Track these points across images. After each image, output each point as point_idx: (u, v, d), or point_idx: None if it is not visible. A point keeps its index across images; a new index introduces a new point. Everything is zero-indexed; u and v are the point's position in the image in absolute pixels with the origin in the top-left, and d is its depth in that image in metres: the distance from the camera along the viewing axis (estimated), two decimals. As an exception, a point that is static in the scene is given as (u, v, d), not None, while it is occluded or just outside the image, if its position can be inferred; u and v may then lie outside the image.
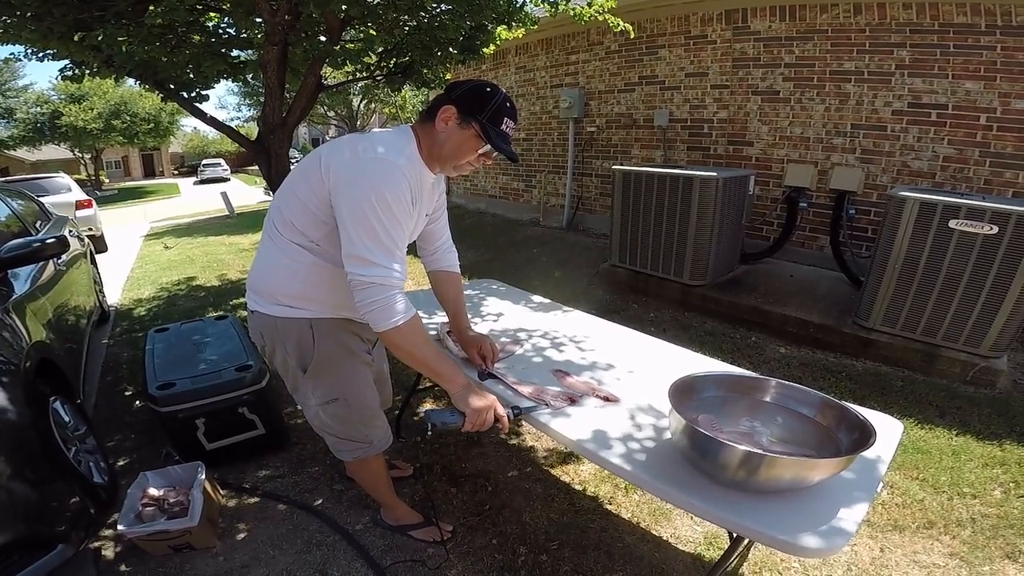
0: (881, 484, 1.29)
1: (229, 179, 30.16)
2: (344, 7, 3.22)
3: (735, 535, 1.36)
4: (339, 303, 1.55)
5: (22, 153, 25.15)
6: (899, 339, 3.35)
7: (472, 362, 1.83)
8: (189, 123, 36.14)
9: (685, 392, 1.39)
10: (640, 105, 6.01)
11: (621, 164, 5.06)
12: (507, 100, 1.44)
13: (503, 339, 2.05)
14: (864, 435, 1.18)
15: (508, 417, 1.46)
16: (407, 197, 1.37)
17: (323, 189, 1.39)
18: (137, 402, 3.05)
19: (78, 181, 9.73)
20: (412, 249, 1.80)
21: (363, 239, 1.32)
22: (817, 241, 4.84)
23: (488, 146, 1.43)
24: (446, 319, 2.23)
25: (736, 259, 4.72)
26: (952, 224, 3.00)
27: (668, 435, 1.41)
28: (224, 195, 13.03)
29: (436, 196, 1.72)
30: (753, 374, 1.62)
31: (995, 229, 2.88)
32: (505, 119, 1.42)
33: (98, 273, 4.72)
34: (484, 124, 1.40)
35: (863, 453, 1.16)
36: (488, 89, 1.43)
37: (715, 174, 4.01)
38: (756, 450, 1.18)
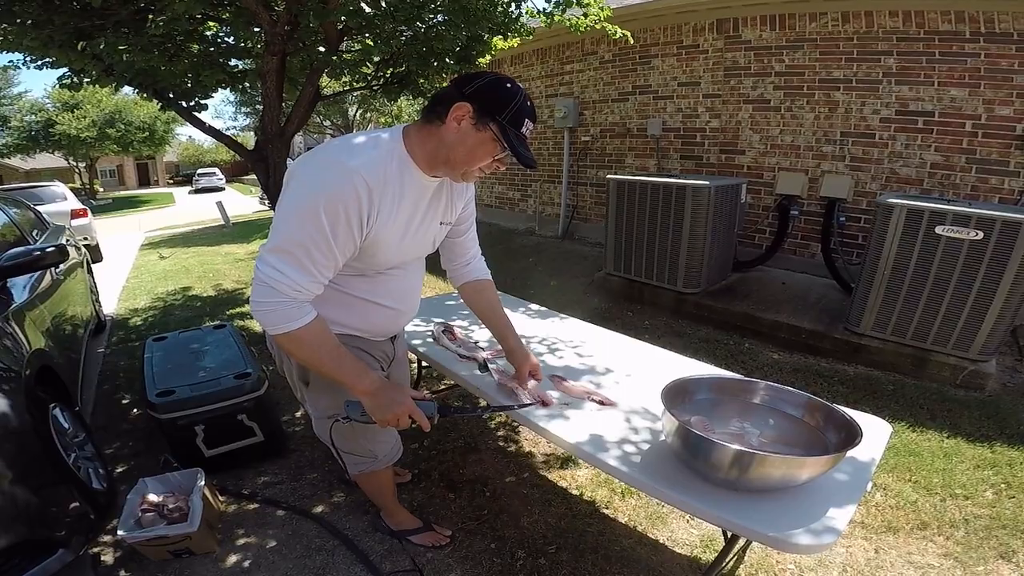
0: (871, 484, 1.32)
1: (224, 188, 30.13)
2: (343, 18, 3.27)
3: (730, 535, 1.40)
4: (343, 320, 1.48)
5: (16, 161, 25.07)
6: (889, 344, 3.39)
7: (520, 378, 1.74)
8: (184, 132, 36.19)
9: (678, 395, 1.42)
10: (634, 114, 6.08)
11: (615, 173, 5.12)
12: (527, 98, 1.27)
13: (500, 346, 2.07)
14: (851, 434, 1.22)
15: (431, 418, 1.40)
16: (351, 208, 1.22)
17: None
18: (135, 410, 3.05)
19: (72, 190, 9.72)
20: (439, 268, 1.80)
21: (280, 241, 1.22)
22: (809, 248, 4.90)
23: (507, 151, 1.27)
24: (440, 321, 2.27)
25: (729, 267, 4.76)
26: (939, 230, 3.05)
27: (662, 437, 1.44)
28: (219, 204, 13.01)
29: (458, 204, 1.58)
30: (743, 377, 1.66)
31: (980, 235, 2.93)
32: (526, 120, 1.26)
33: (94, 282, 4.72)
34: (504, 126, 1.24)
35: (851, 452, 1.20)
36: (508, 85, 1.25)
37: (707, 183, 4.06)
38: (747, 449, 1.21)
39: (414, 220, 1.40)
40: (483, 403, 1.74)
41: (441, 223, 1.53)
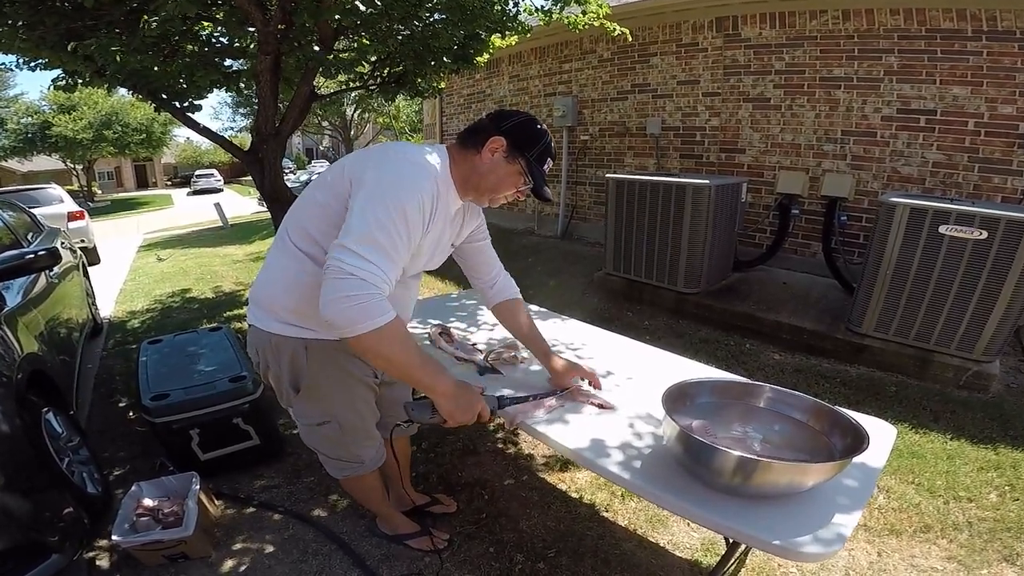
0: (875, 488, 1.30)
1: (223, 190, 30.11)
2: (337, 16, 3.24)
3: (731, 541, 1.37)
4: None
5: (13, 164, 25.04)
6: (892, 344, 3.36)
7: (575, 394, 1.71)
8: (182, 133, 36.14)
9: (679, 398, 1.40)
10: (633, 113, 6.05)
11: (614, 172, 5.09)
12: (551, 140, 1.43)
13: (499, 348, 2.05)
14: (857, 439, 1.19)
15: (493, 412, 1.45)
16: (426, 210, 1.29)
17: (344, 187, 1.31)
18: (131, 413, 3.03)
19: (70, 192, 9.71)
20: (438, 270, 1.79)
21: (368, 232, 1.19)
22: (810, 248, 4.87)
23: (529, 184, 1.41)
24: (437, 323, 2.25)
25: (729, 266, 4.74)
26: (942, 230, 3.02)
27: (664, 442, 1.42)
28: (218, 206, 13.02)
29: (465, 231, 1.66)
30: (746, 380, 1.63)
31: (984, 234, 2.90)
32: (548, 159, 1.42)
33: (91, 285, 4.69)
34: (531, 162, 1.39)
35: (856, 457, 1.17)
36: (539, 127, 1.42)
37: (707, 182, 4.04)
38: (750, 455, 1.18)
39: (442, 233, 1.50)
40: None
41: (451, 244, 1.62)
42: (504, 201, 1.48)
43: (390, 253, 1.22)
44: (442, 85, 5.17)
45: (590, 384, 1.71)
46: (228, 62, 4.20)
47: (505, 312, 1.81)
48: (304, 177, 21.46)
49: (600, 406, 1.65)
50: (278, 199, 3.86)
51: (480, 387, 1.46)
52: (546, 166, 1.43)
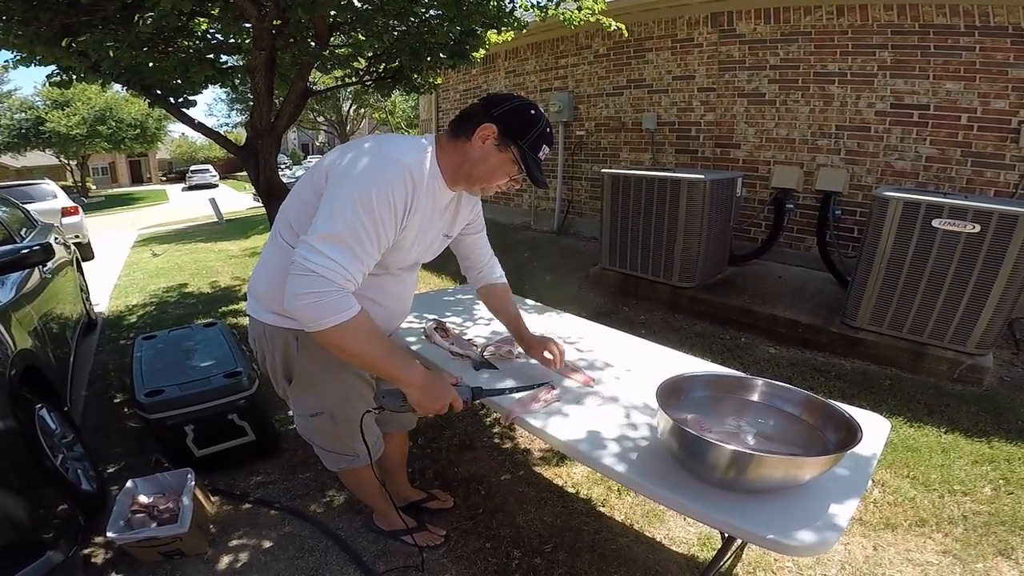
0: (869, 482, 1.30)
1: (218, 185, 29.99)
2: (332, 12, 3.22)
3: (727, 535, 1.37)
4: None
5: (7, 159, 24.86)
6: (886, 338, 3.38)
7: (542, 364, 1.79)
8: (177, 129, 35.90)
9: (673, 393, 1.40)
10: (628, 108, 6.05)
11: (610, 167, 5.08)
12: (548, 125, 1.37)
13: (497, 341, 2.05)
14: (851, 433, 1.20)
15: (466, 402, 1.44)
16: (398, 206, 1.27)
17: (321, 182, 1.32)
18: (125, 409, 3.02)
19: (64, 188, 9.65)
20: (435, 265, 1.78)
21: (333, 229, 1.21)
22: (804, 242, 4.88)
23: (523, 173, 1.37)
24: (433, 317, 2.24)
25: (725, 261, 4.75)
26: (935, 223, 3.03)
27: (659, 436, 1.42)
28: (213, 201, 12.95)
29: (460, 221, 1.63)
30: (740, 374, 1.63)
31: (977, 228, 2.92)
32: (544, 146, 1.36)
33: (84, 281, 4.67)
34: (525, 150, 1.34)
35: (850, 451, 1.18)
36: (532, 112, 1.35)
37: (702, 176, 4.04)
38: (744, 449, 1.19)
39: (429, 226, 1.46)
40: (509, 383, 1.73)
41: (444, 235, 1.59)
42: (499, 190, 1.45)
43: (355, 250, 1.23)
44: (438, 81, 5.15)
45: (556, 358, 1.75)
46: (223, 58, 4.18)
47: (487, 294, 1.88)
48: (299, 172, 21.42)
49: (585, 383, 1.71)
50: (273, 194, 3.84)
51: (454, 378, 1.47)
52: (542, 153, 1.36)
